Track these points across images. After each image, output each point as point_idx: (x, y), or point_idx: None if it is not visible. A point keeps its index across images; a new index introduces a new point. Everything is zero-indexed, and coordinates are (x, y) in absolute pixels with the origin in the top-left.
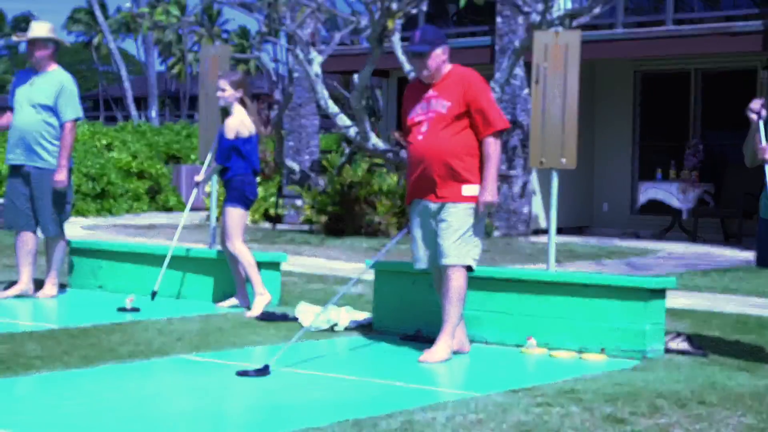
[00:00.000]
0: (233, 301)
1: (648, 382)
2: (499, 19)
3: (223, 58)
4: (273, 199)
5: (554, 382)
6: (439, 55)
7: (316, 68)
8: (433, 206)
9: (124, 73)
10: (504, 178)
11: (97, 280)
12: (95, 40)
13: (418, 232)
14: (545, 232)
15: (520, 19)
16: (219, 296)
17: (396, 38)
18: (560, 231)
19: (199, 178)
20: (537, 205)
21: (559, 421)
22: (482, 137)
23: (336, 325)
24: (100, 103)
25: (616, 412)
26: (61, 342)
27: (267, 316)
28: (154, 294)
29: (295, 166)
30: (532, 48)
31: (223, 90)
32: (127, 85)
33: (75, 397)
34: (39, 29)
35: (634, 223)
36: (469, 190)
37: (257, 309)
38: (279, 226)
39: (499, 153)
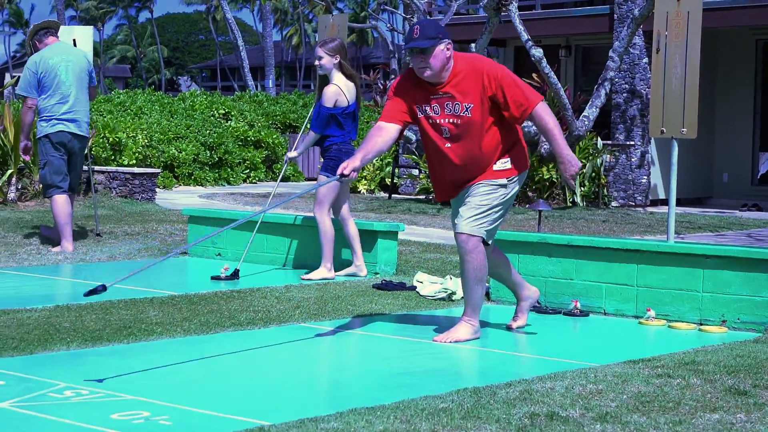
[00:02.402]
0: (351, 269)
1: None
2: None
3: (341, 27)
4: (389, 168)
5: (674, 353)
6: (442, 52)
7: None
8: (466, 190)
9: (240, 42)
10: (622, 148)
11: (216, 248)
12: (213, 13)
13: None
14: (663, 202)
15: None
16: (336, 265)
17: (513, 7)
18: (679, 202)
19: (292, 154)
20: (655, 175)
21: (680, 392)
22: (528, 115)
23: (454, 294)
24: (218, 73)
25: (738, 384)
26: (182, 308)
27: (384, 285)
28: (236, 272)
29: (412, 136)
30: (652, 16)
31: (321, 58)
32: (244, 54)
33: (194, 363)
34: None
35: (754, 194)
36: (501, 164)
37: (315, 275)
38: (395, 196)
39: (554, 119)
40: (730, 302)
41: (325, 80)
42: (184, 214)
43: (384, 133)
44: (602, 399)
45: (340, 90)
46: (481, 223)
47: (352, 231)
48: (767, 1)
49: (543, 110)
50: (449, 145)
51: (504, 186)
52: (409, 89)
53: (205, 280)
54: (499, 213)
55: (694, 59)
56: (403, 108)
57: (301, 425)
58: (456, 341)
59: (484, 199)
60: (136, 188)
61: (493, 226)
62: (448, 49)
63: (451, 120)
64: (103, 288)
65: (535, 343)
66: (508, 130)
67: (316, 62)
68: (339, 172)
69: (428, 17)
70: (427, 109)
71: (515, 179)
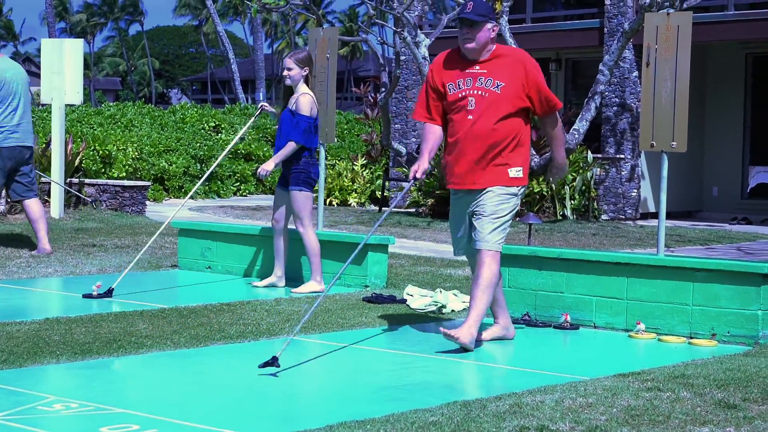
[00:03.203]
0: (271, 279)
1: (760, 368)
2: (608, 1)
3: (332, 40)
4: (379, 181)
5: (664, 366)
6: (488, 30)
7: (423, 51)
8: (475, 193)
9: (231, 55)
10: (612, 161)
11: (206, 261)
12: (204, 26)
13: (458, 220)
14: (653, 216)
15: (630, 1)
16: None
17: (504, 20)
18: (669, 215)
19: (269, 166)
20: (645, 188)
21: (670, 406)
22: (546, 117)
23: (444, 307)
24: (208, 86)
25: (727, 397)
26: (171, 321)
27: (374, 299)
28: (110, 290)
29: (402, 149)
30: (641, 30)
31: (290, 69)
32: (234, 67)
33: (184, 376)
34: None
35: (744, 207)
36: (515, 172)
37: (305, 289)
38: (385, 209)
39: (564, 130)
40: (720, 316)
41: (290, 91)
42: (175, 227)
43: (435, 129)
44: (592, 412)
45: (313, 99)
46: (499, 239)
47: (284, 244)
48: (757, 16)
49: (557, 116)
50: (471, 117)
51: (515, 195)
52: (447, 68)
53: (196, 293)
54: (510, 222)
55: (684, 73)
56: (438, 103)
57: None
58: (457, 339)
59: (499, 210)
60: (126, 201)
61: (505, 234)
62: (493, 31)
63: (479, 92)
64: (275, 360)
65: (525, 357)
66: (525, 126)
67: (285, 72)
68: (411, 176)
69: (418, 30)
70: (461, 82)
71: (523, 189)
